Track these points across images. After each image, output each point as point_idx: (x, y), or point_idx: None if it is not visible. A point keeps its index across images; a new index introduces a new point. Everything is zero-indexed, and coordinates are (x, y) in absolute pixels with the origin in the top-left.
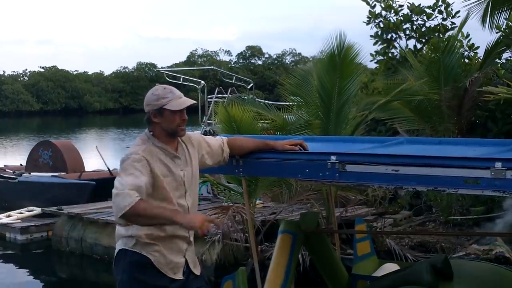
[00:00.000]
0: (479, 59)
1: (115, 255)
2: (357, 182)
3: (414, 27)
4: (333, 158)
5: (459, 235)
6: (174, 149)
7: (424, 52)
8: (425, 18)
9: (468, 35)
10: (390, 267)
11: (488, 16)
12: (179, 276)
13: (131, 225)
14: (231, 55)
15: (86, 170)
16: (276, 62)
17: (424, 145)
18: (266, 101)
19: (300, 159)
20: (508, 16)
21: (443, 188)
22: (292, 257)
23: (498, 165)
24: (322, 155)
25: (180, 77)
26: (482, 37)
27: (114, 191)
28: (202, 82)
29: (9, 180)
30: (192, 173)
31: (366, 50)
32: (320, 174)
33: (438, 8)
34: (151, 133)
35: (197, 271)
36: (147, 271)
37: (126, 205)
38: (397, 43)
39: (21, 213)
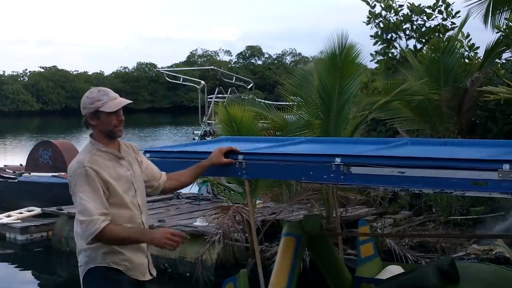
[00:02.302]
0: (479, 59)
1: (84, 272)
2: (362, 185)
3: (414, 27)
4: (337, 160)
5: (461, 237)
6: (117, 150)
7: (424, 52)
8: (425, 18)
9: (468, 35)
10: (394, 269)
11: (490, 15)
12: (148, 276)
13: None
14: (231, 55)
15: None
16: (276, 62)
17: (429, 146)
18: (266, 101)
19: (304, 161)
20: (509, 16)
21: (450, 190)
22: (295, 260)
23: (506, 166)
24: (326, 157)
25: (180, 77)
26: (482, 37)
27: (79, 217)
28: (202, 82)
29: (9, 180)
30: (138, 173)
31: (366, 50)
32: (325, 176)
33: (438, 8)
34: (91, 136)
35: (153, 271)
36: (122, 283)
37: (93, 231)
38: (397, 43)
39: (21, 213)
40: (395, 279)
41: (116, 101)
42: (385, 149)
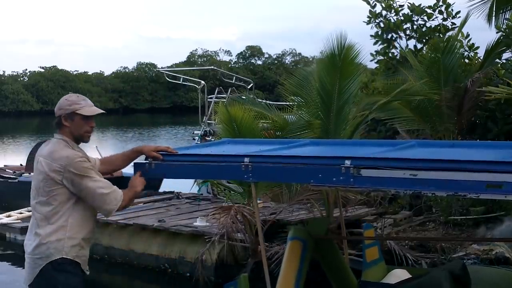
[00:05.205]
0: (479, 59)
1: (44, 264)
2: (373, 187)
3: (415, 27)
4: (347, 162)
5: (465, 240)
6: None
7: (424, 52)
8: (425, 18)
9: (468, 35)
10: (400, 273)
11: (494, 15)
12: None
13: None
14: (231, 55)
15: None
16: (276, 62)
17: (438, 148)
18: (266, 101)
19: (313, 164)
20: (509, 16)
21: (464, 193)
22: (302, 265)
23: None
24: (335, 160)
25: (180, 77)
26: (482, 37)
27: (102, 190)
28: (202, 82)
29: (9, 180)
30: None
31: (366, 50)
32: (334, 179)
33: (439, 9)
34: (63, 134)
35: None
36: (82, 278)
37: (119, 199)
38: (398, 43)
39: (21, 213)
40: (406, 284)
41: (92, 108)
42: (394, 151)
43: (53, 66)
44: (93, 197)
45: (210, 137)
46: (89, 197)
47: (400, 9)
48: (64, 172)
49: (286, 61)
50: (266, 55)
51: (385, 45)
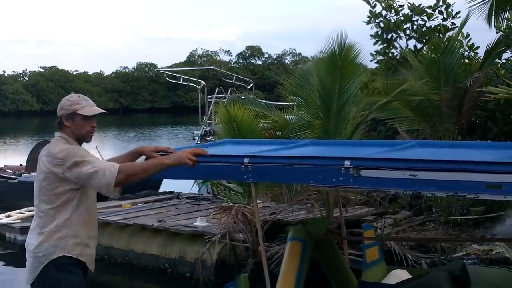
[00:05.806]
0: (479, 59)
1: (47, 261)
2: (372, 188)
3: (415, 27)
4: (347, 163)
5: (466, 241)
6: None
7: (424, 52)
8: (425, 18)
9: (468, 35)
10: (400, 273)
11: (493, 15)
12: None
13: (119, 192)
14: (231, 55)
15: None
16: (276, 62)
17: (438, 149)
18: (266, 101)
19: (312, 164)
20: (509, 16)
21: (464, 194)
22: (302, 265)
23: None
24: (335, 160)
25: (180, 77)
26: (482, 37)
27: (90, 170)
28: (202, 82)
29: (9, 180)
30: None
31: (366, 50)
32: (334, 179)
33: (439, 9)
34: (64, 133)
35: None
36: (79, 274)
37: (113, 171)
38: (398, 43)
39: (21, 213)
40: (406, 284)
41: (93, 108)
42: (394, 152)
43: (53, 66)
44: (89, 180)
45: (210, 137)
46: (88, 181)
47: (400, 9)
48: (64, 164)
49: (286, 61)
50: (266, 55)
51: (385, 45)
